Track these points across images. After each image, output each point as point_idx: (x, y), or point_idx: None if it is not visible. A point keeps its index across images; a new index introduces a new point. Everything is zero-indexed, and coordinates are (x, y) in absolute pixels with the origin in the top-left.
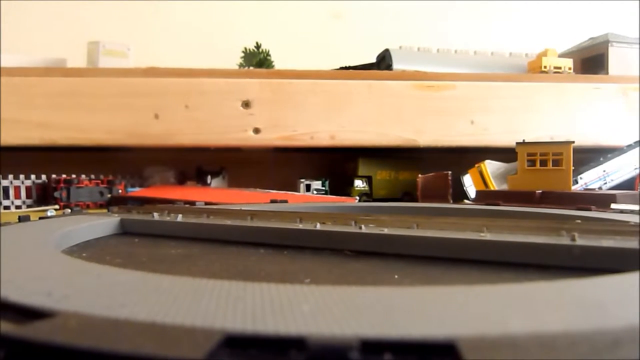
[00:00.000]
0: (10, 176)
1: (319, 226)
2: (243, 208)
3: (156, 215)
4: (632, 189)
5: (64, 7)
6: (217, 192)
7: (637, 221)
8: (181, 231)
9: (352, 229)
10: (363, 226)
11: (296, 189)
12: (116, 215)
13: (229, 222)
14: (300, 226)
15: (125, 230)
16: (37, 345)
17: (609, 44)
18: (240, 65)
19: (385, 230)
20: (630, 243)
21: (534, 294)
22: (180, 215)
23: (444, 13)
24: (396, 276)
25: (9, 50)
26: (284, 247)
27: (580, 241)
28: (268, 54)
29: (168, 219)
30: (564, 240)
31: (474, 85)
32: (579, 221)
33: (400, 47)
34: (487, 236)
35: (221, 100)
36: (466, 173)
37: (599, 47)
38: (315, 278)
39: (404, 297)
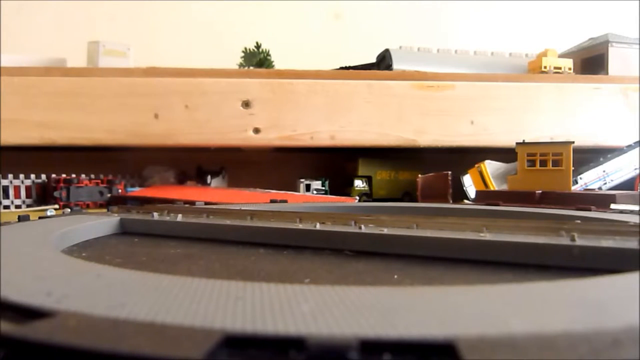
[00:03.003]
0: (10, 176)
1: (318, 226)
2: (243, 208)
3: (156, 215)
4: (632, 189)
5: (64, 7)
6: (217, 192)
7: (637, 221)
8: (181, 231)
9: (352, 229)
10: (363, 226)
11: (296, 189)
12: (116, 215)
13: (228, 222)
14: (300, 226)
15: (124, 230)
16: (36, 345)
17: (609, 44)
18: (241, 65)
19: (385, 230)
20: (630, 243)
21: (534, 294)
22: (180, 215)
23: (444, 13)
24: (396, 276)
25: (9, 50)
26: (284, 247)
27: (580, 241)
28: (268, 54)
29: (168, 218)
30: (564, 241)
31: (474, 85)
32: (578, 221)
33: (400, 47)
34: (487, 236)
35: (221, 100)
36: (466, 173)
37: (599, 47)
38: (315, 278)
39: (404, 297)
